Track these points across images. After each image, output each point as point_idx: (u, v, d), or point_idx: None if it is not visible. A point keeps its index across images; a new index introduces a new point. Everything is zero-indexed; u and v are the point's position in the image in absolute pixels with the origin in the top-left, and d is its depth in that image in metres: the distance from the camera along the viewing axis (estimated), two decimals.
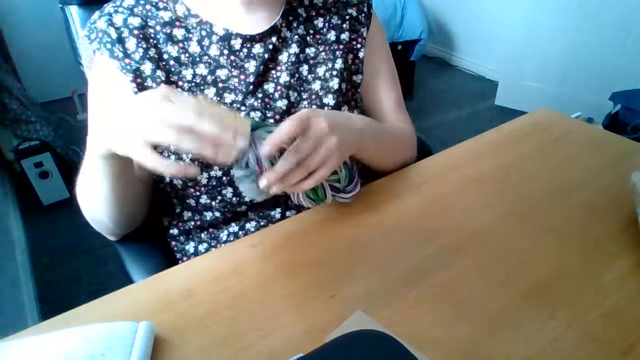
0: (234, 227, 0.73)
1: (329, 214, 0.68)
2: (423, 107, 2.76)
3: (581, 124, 0.92)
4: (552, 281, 0.56)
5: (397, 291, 0.55)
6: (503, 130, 0.89)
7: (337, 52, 0.75)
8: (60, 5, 0.88)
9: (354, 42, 0.77)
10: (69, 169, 2.06)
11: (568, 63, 2.50)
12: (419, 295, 0.54)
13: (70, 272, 1.71)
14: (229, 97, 0.69)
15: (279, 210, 0.73)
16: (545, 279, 0.56)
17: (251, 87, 0.69)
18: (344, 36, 0.75)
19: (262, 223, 0.73)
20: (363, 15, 0.77)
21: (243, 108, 0.69)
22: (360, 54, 0.77)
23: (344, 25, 0.76)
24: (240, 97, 0.69)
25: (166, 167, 0.48)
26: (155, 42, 0.68)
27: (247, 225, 0.73)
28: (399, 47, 2.69)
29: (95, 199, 0.65)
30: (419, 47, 2.80)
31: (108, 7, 0.69)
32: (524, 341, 0.49)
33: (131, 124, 0.48)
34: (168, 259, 0.76)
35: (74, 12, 0.88)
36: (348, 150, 0.61)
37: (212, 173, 0.67)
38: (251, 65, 0.70)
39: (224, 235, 0.73)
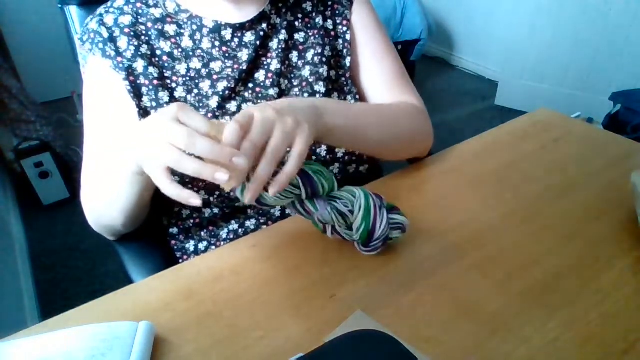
0: (233, 225, 0.73)
1: None
2: None
3: (581, 124, 0.92)
4: (552, 281, 0.56)
5: (397, 291, 0.55)
6: (503, 130, 0.89)
7: (326, 39, 0.75)
8: (60, 6, 0.88)
9: (339, 27, 0.76)
10: (69, 169, 2.06)
11: (568, 63, 2.50)
12: (419, 295, 0.54)
13: (70, 272, 1.71)
14: (221, 85, 0.69)
15: (278, 207, 0.73)
16: (545, 279, 0.56)
17: (243, 74, 0.69)
18: (328, 24, 0.76)
19: (261, 221, 0.73)
20: None
21: (234, 95, 0.69)
22: (347, 37, 0.76)
23: (327, 13, 0.76)
24: (232, 84, 0.69)
25: (175, 193, 0.47)
26: (147, 38, 0.68)
27: (247, 223, 0.73)
28: (399, 47, 2.70)
29: (114, 209, 0.64)
30: (419, 47, 2.80)
31: (100, 9, 0.70)
32: (524, 341, 0.49)
33: (147, 147, 0.48)
34: (168, 258, 0.76)
35: (73, 12, 0.88)
36: (310, 127, 0.53)
37: None
38: (244, 54, 0.70)
39: (223, 233, 0.73)
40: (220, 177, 0.45)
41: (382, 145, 0.71)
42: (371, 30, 0.78)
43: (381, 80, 0.78)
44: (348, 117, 0.64)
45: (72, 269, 1.72)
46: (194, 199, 0.47)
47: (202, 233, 0.74)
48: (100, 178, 0.65)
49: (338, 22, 0.76)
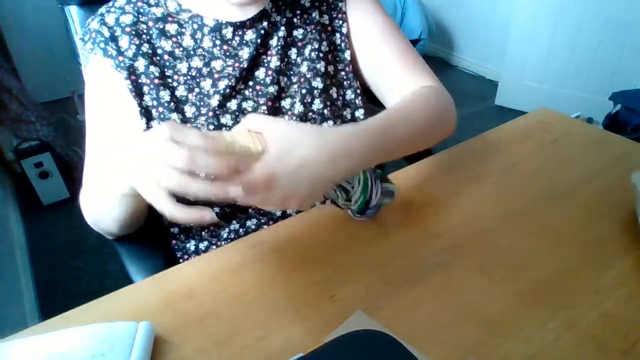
0: (234, 225, 0.73)
1: (329, 214, 0.68)
2: None
3: (581, 124, 0.92)
4: (552, 281, 0.56)
5: (397, 291, 0.55)
6: (503, 130, 0.89)
7: (323, 34, 0.74)
8: (60, 5, 0.88)
9: (336, 21, 0.76)
10: (69, 169, 2.06)
11: (568, 63, 2.50)
12: (419, 295, 0.54)
13: (70, 272, 1.71)
14: (222, 84, 0.69)
15: None
16: (545, 279, 0.56)
17: (244, 72, 0.69)
18: (325, 19, 0.75)
19: (262, 220, 0.73)
20: None
21: (234, 94, 0.69)
22: (344, 30, 0.76)
23: (323, 7, 0.75)
24: (233, 82, 0.69)
25: (184, 216, 0.44)
26: (148, 37, 0.68)
27: (248, 223, 0.73)
28: None
29: (108, 219, 0.65)
30: (419, 47, 2.80)
31: (101, 9, 0.69)
32: (524, 341, 0.49)
33: (143, 173, 0.45)
34: (168, 258, 0.76)
35: (73, 12, 0.88)
36: (315, 197, 0.52)
37: None
38: (245, 53, 0.70)
39: (224, 233, 0.73)
40: (235, 192, 0.43)
41: (411, 150, 0.66)
42: (371, 14, 0.75)
43: (392, 58, 0.74)
44: (386, 147, 0.58)
45: (72, 269, 1.72)
46: (208, 215, 0.43)
47: (203, 233, 0.74)
48: (96, 187, 0.65)
49: (333, 16, 0.76)
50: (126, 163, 0.48)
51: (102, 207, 0.64)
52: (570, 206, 0.69)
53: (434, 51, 3.46)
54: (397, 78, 0.74)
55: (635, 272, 0.57)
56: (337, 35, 0.76)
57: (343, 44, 0.76)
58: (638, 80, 2.29)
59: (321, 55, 0.73)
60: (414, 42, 2.78)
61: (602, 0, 2.27)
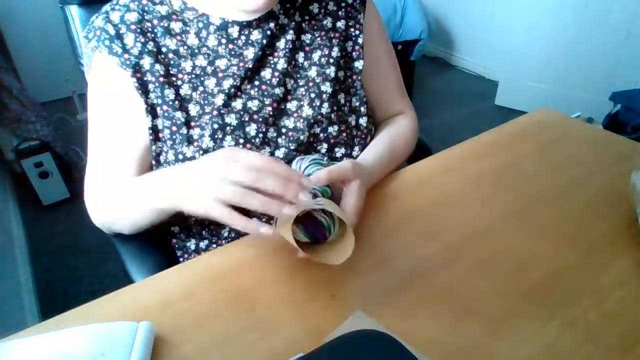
0: None
1: None
2: (423, 107, 2.75)
3: (581, 124, 0.92)
4: (552, 281, 0.56)
5: (397, 291, 0.55)
6: (503, 130, 0.89)
7: (334, 40, 0.75)
8: (60, 5, 0.88)
9: (352, 29, 0.77)
10: (69, 169, 2.06)
11: (568, 63, 2.50)
12: (419, 295, 0.54)
13: (70, 271, 1.71)
14: (226, 83, 0.69)
15: None
16: (545, 279, 0.56)
17: (249, 72, 0.70)
18: (340, 24, 0.76)
19: (263, 220, 0.73)
20: (357, 1, 0.78)
21: (239, 93, 0.70)
22: (360, 40, 0.77)
23: (340, 13, 0.76)
24: (238, 82, 0.69)
25: (243, 225, 0.51)
26: (153, 35, 0.68)
27: None
28: (399, 47, 2.69)
29: (127, 224, 0.69)
30: (419, 47, 2.79)
31: (105, 7, 0.70)
32: (524, 341, 0.49)
33: (200, 187, 0.52)
34: (168, 257, 0.76)
35: (73, 11, 0.88)
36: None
37: None
38: (250, 52, 0.70)
39: (225, 232, 0.73)
40: (289, 212, 0.49)
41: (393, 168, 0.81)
42: (383, 42, 0.82)
43: (390, 91, 0.86)
44: (382, 171, 0.76)
45: (72, 269, 1.72)
46: (265, 230, 0.51)
47: (204, 232, 0.74)
48: (116, 198, 0.68)
49: (351, 24, 0.77)
50: (181, 182, 0.56)
51: (124, 216, 0.68)
52: (570, 206, 0.69)
53: (434, 51, 3.46)
54: (391, 104, 0.86)
55: (635, 272, 0.57)
56: (350, 42, 0.77)
57: (355, 53, 0.77)
58: (638, 80, 2.29)
59: (331, 60, 0.74)
60: (414, 42, 2.77)
61: (602, 1, 2.27)
